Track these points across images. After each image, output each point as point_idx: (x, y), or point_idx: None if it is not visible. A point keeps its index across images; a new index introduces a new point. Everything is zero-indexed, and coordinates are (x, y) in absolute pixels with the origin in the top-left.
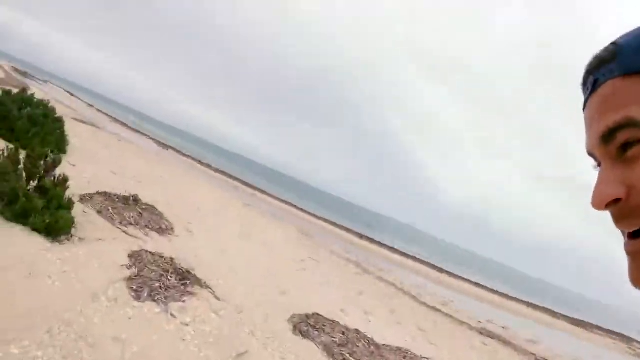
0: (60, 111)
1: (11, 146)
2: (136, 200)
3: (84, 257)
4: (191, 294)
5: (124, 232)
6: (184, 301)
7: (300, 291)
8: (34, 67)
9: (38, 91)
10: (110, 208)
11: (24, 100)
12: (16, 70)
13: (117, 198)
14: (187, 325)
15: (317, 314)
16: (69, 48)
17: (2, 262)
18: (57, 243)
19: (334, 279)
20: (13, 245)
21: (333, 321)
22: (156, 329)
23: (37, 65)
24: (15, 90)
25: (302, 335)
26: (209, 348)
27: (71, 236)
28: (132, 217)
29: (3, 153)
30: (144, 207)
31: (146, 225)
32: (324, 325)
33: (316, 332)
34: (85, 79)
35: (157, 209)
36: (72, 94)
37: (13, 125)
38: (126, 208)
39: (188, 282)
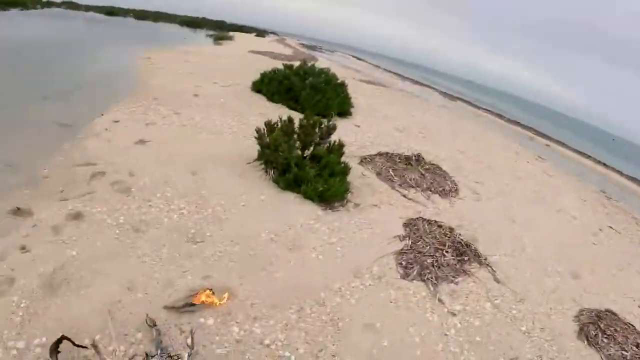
0: (347, 75)
1: (284, 117)
2: (419, 159)
3: (354, 226)
4: (467, 273)
5: (403, 195)
6: (456, 283)
7: (594, 275)
8: (323, 41)
9: (325, 61)
10: (390, 169)
11: (305, 71)
12: (304, 45)
13: (399, 158)
14: (454, 315)
15: (611, 313)
16: (355, 19)
17: (269, 234)
18: (329, 210)
19: (636, 259)
20: (285, 214)
21: (627, 325)
22: (416, 318)
23: (327, 39)
24: (297, 64)
25: (588, 342)
26: (472, 350)
27: (346, 202)
28: (414, 178)
29: (276, 125)
30: (427, 166)
31: (428, 187)
32: (616, 331)
33: (605, 340)
34: (369, 44)
35: (441, 168)
36: (358, 58)
37: (297, 95)
38: (407, 169)
39: (466, 258)
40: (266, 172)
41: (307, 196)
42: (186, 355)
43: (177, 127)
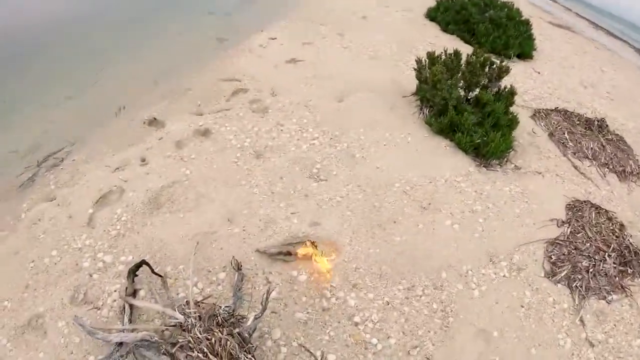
0: (533, 13)
1: (451, 51)
2: (602, 125)
3: (508, 195)
4: (625, 291)
5: (574, 167)
6: (609, 301)
7: None
8: None
9: None
10: (566, 132)
11: (486, 2)
12: None
13: (578, 119)
14: (592, 345)
15: None
16: None
17: (404, 184)
18: (483, 169)
19: None
20: (430, 164)
21: None
22: (545, 338)
23: None
24: None
25: None
26: None
27: (505, 161)
28: (591, 148)
29: (439, 59)
30: (609, 136)
31: (606, 163)
32: None
33: None
34: None
35: (625, 142)
36: None
37: (474, 28)
38: (586, 135)
39: (629, 270)
40: (421, 110)
41: (461, 147)
42: (252, 317)
43: (336, 49)
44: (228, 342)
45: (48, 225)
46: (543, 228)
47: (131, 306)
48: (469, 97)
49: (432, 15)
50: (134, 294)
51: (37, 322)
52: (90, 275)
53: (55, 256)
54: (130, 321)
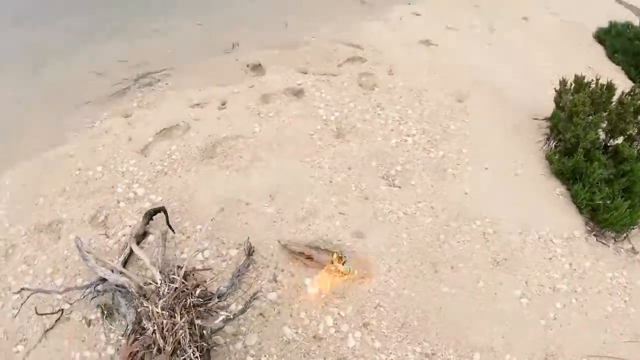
0: None
1: (603, 81)
2: None
3: (607, 284)
4: None
5: None
6: None
7: None
8: None
9: None
10: None
11: None
12: None
13: None
14: None
15: None
16: None
17: (487, 225)
18: (593, 237)
19: None
20: (529, 210)
21: None
22: None
23: None
24: None
25: None
26: None
27: (623, 238)
28: None
29: (587, 87)
30: None
31: None
32: None
33: None
34: None
35: None
36: None
37: None
38: None
39: None
40: (547, 140)
41: (576, 201)
42: (221, 316)
43: (479, 42)
44: (179, 331)
45: (109, 140)
46: (630, 343)
47: (131, 248)
48: (608, 144)
49: (600, 37)
50: (144, 235)
51: (56, 226)
52: (118, 202)
53: (99, 172)
54: (125, 262)
